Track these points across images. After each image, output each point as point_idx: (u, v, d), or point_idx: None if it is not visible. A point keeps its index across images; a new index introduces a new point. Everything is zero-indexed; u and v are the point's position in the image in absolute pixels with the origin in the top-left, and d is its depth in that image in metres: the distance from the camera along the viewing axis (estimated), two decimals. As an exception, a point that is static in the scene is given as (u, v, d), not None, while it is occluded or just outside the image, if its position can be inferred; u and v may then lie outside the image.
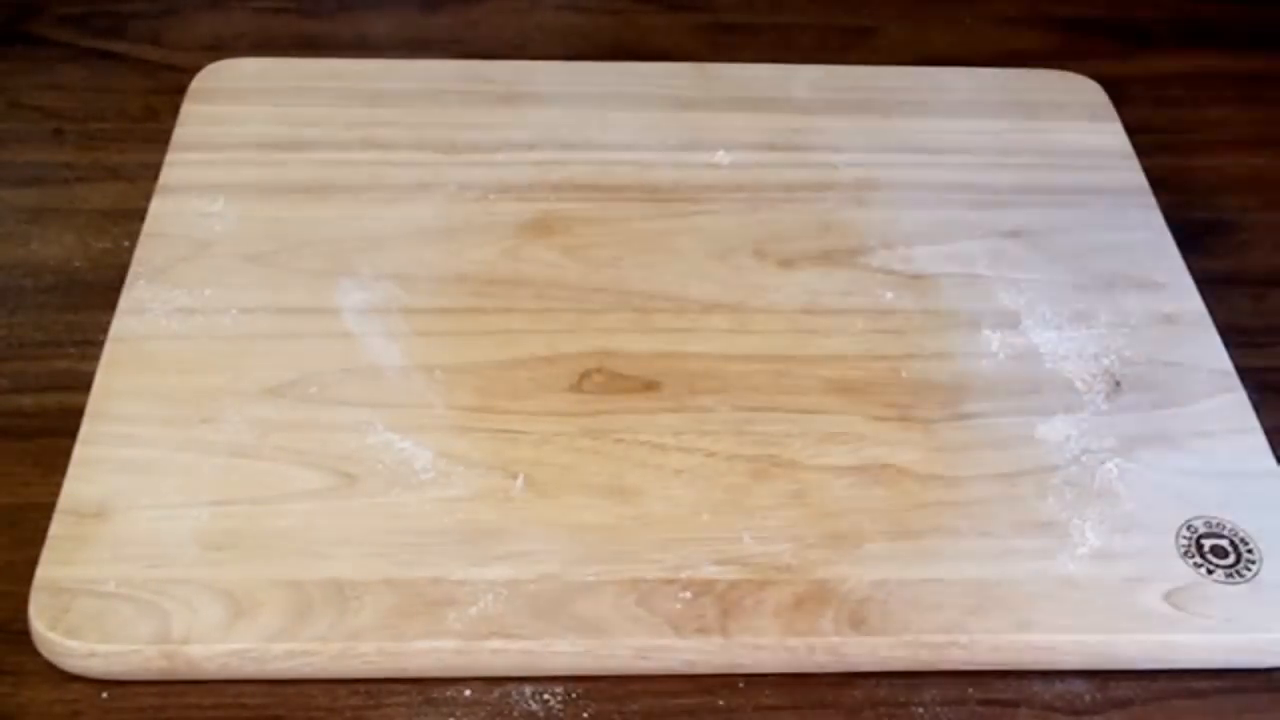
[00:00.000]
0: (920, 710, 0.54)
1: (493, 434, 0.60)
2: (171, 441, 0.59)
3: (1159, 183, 0.74)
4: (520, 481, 0.59)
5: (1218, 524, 0.58)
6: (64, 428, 0.59)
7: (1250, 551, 0.58)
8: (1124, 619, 0.55)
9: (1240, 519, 0.59)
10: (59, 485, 0.57)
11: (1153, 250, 0.70)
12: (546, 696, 0.54)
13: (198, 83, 0.76)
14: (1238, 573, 0.57)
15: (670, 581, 0.55)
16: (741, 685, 0.55)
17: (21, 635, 0.54)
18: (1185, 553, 0.57)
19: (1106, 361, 0.65)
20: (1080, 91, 0.79)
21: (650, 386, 0.63)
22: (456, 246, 0.68)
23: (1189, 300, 0.68)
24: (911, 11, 0.88)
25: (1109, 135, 0.76)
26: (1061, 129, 0.77)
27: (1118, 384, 0.64)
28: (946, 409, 0.62)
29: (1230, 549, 0.58)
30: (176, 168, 0.71)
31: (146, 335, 0.63)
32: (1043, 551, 0.57)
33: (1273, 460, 0.61)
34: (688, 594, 0.55)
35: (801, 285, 0.67)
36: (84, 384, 0.61)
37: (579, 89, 0.77)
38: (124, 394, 0.60)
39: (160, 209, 0.69)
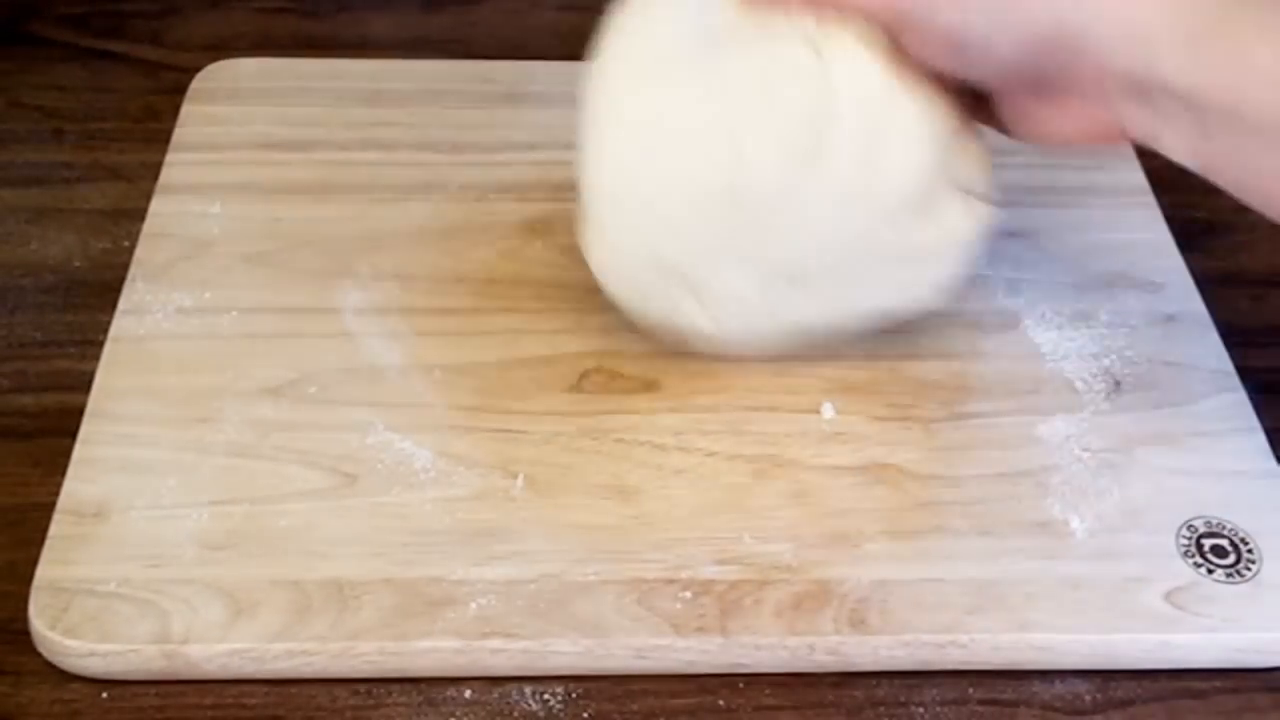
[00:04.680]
0: (920, 710, 0.54)
1: (493, 434, 0.60)
2: (171, 441, 0.59)
3: (1159, 183, 0.74)
4: (520, 481, 0.58)
5: (1218, 524, 0.58)
6: (64, 428, 0.59)
7: (1250, 551, 0.58)
8: (1124, 619, 0.55)
9: (1240, 519, 0.59)
10: (59, 485, 0.57)
11: (1153, 250, 0.70)
12: (546, 696, 0.54)
13: (198, 83, 0.76)
14: (1238, 572, 0.57)
15: (670, 581, 0.55)
16: (741, 685, 0.55)
17: (21, 635, 0.54)
18: (1185, 552, 0.57)
19: (1106, 361, 0.65)
20: (1080, 91, 0.79)
21: (650, 386, 0.63)
22: (456, 246, 0.68)
23: (1189, 300, 0.68)
24: (911, 11, 0.87)
25: (1109, 135, 0.76)
26: (1061, 129, 0.77)
27: (1118, 384, 0.64)
28: (946, 409, 0.62)
29: (1230, 549, 0.58)
30: (176, 168, 0.71)
31: (146, 335, 0.63)
32: (1043, 551, 0.57)
33: (1273, 460, 0.61)
34: (688, 594, 0.55)
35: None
36: (84, 384, 0.61)
37: (579, 89, 0.77)
38: (124, 394, 0.60)
39: (160, 209, 0.69)
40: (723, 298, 0.59)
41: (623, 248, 0.60)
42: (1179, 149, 0.49)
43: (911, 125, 0.55)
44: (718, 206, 0.57)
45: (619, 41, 0.58)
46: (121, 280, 0.65)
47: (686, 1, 0.57)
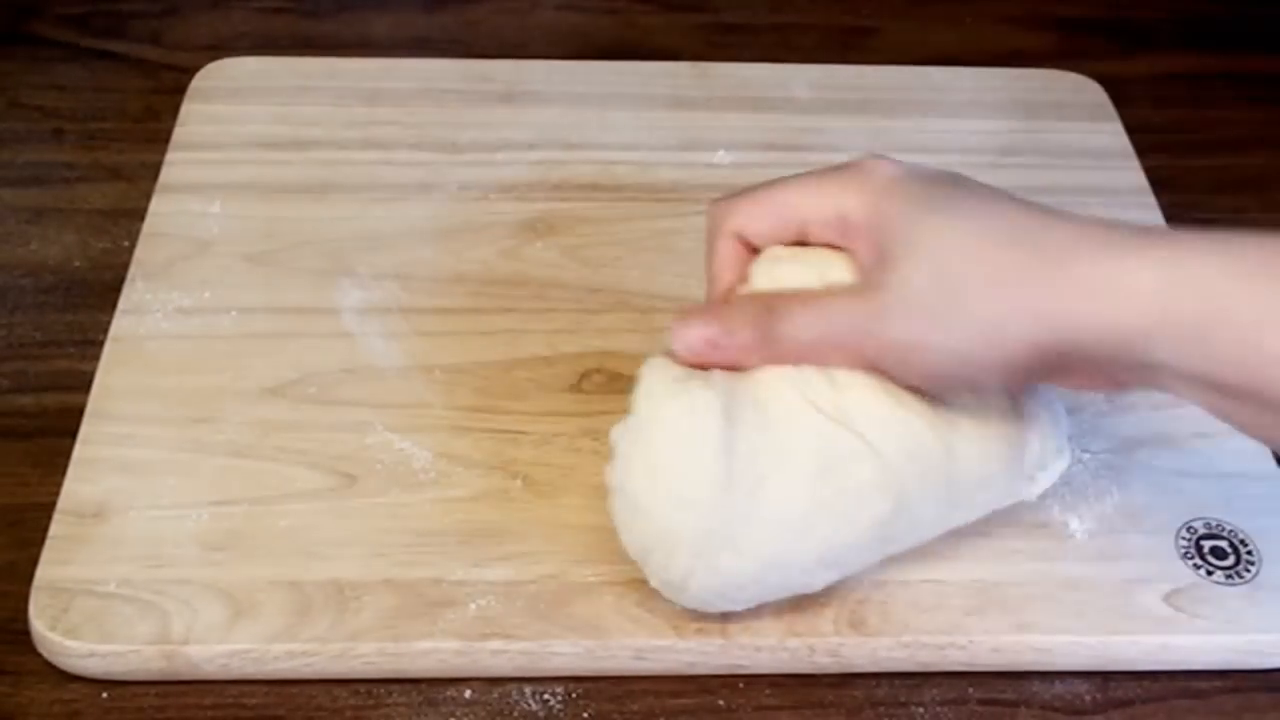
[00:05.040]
0: (920, 710, 0.54)
1: (493, 434, 0.60)
2: (171, 442, 0.59)
3: (1159, 183, 0.74)
4: (520, 482, 0.58)
5: (1217, 525, 0.58)
6: (64, 428, 0.60)
7: (1250, 553, 0.58)
8: (1124, 620, 0.55)
9: (1240, 520, 0.59)
10: (59, 485, 0.57)
11: (1153, 250, 0.70)
12: (546, 696, 0.54)
13: (198, 82, 0.76)
14: (1237, 574, 0.57)
15: (670, 582, 0.55)
16: (741, 685, 0.55)
17: (21, 635, 0.54)
18: (1185, 554, 0.57)
19: (1106, 362, 0.65)
20: (1080, 91, 0.79)
21: (650, 387, 0.62)
22: (456, 246, 0.68)
23: (1189, 301, 0.68)
24: (911, 11, 0.88)
25: (1109, 135, 0.76)
26: (1061, 129, 0.77)
27: (1118, 384, 0.64)
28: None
29: (1230, 550, 0.58)
30: (176, 167, 0.71)
31: (146, 335, 0.63)
32: (1042, 552, 0.57)
33: (1273, 461, 0.61)
34: (688, 594, 0.55)
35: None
36: (84, 384, 0.61)
37: (579, 89, 0.77)
38: (124, 394, 0.60)
39: (160, 209, 0.69)
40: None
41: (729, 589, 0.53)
42: (1194, 402, 0.48)
43: (968, 435, 0.53)
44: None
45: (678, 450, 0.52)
46: (121, 280, 0.65)
47: (705, 416, 0.52)
